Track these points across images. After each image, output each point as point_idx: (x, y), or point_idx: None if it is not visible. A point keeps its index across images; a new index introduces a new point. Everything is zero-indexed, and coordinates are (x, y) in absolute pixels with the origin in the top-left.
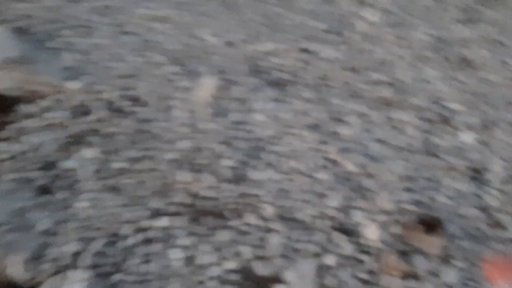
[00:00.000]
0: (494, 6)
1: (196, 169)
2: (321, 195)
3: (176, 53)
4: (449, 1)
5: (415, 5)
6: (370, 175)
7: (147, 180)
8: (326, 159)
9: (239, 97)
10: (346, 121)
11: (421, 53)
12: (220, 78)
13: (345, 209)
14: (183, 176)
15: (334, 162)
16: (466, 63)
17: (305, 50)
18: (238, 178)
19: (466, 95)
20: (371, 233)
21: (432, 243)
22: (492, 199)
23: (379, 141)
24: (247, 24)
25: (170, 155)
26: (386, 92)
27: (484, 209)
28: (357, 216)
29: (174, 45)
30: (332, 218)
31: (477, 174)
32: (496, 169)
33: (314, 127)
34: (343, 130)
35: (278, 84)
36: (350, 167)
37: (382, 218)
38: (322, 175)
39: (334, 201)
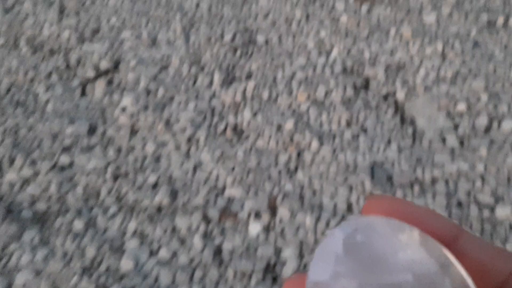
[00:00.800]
0: (256, 58)
1: None
2: None
3: None
4: (210, 63)
5: (179, 78)
6: None
7: None
8: None
9: None
10: (125, 249)
11: (193, 136)
12: None
13: None
14: None
15: None
16: (237, 134)
17: (67, 166)
18: None
19: (244, 174)
20: None
21: None
22: None
23: (164, 264)
24: None
25: None
26: (164, 197)
27: None
28: None
29: None
30: None
31: (272, 273)
32: (289, 260)
33: (90, 270)
34: (124, 264)
35: (40, 222)
36: None
37: None
38: None
39: None
